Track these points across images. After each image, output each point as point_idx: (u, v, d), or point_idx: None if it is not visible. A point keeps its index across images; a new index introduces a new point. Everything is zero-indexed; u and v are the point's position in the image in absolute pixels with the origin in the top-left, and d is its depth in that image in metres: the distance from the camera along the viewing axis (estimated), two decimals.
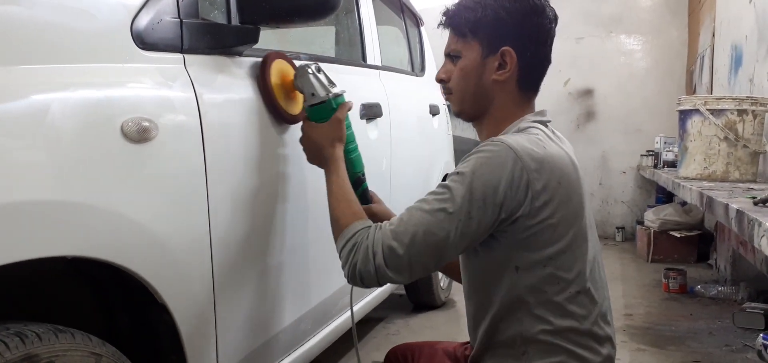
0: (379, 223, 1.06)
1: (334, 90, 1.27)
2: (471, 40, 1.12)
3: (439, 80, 1.18)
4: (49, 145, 0.82)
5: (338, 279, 1.74)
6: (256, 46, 1.26)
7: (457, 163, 3.10)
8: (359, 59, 2.12)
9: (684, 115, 2.63)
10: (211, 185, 1.11)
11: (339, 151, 1.24)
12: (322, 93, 1.25)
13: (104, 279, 1.02)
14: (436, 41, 3.09)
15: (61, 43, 0.90)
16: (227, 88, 1.21)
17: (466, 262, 1.14)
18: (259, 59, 1.31)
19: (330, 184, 1.20)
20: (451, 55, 1.16)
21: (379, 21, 2.32)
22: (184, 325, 1.05)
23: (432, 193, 1.03)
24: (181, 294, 1.04)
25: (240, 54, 1.27)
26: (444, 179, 1.05)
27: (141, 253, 0.95)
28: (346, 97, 1.30)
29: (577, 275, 1.04)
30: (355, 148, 1.34)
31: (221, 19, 1.23)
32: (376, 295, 2.09)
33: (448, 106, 3.04)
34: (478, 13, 1.10)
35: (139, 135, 0.95)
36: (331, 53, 2.34)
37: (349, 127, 1.31)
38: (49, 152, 0.82)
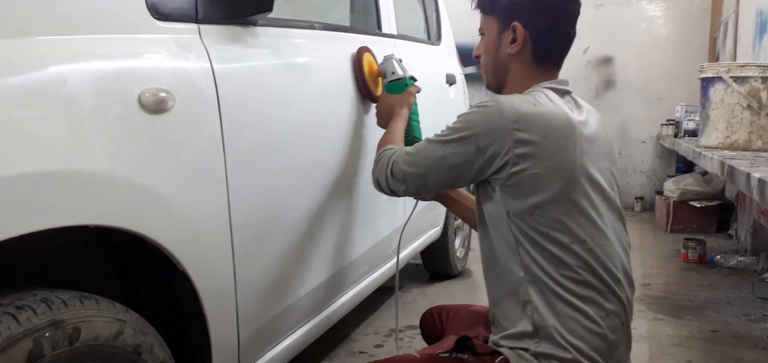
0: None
1: (409, 74, 1.68)
2: (490, 17, 1.24)
3: (476, 56, 1.32)
4: (69, 116, 0.83)
5: (356, 248, 1.76)
6: (270, 14, 1.25)
7: None
8: (374, 28, 2.10)
9: (706, 82, 2.58)
10: (229, 154, 1.12)
11: (405, 112, 1.55)
12: (400, 72, 1.67)
13: (125, 249, 1.04)
14: (452, 9, 3.05)
15: (78, 14, 0.90)
16: (242, 58, 1.21)
17: (478, 215, 1.21)
18: (275, 28, 1.31)
19: (389, 127, 1.50)
20: (481, 32, 1.28)
21: None
22: (205, 292, 1.07)
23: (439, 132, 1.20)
24: (201, 262, 1.06)
25: (254, 23, 1.27)
26: None
27: (161, 222, 0.96)
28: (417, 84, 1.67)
29: (569, 227, 1.07)
30: (417, 119, 1.64)
31: None
32: (391, 265, 2.10)
33: (466, 76, 3.02)
34: None
35: (156, 105, 0.96)
36: (346, 22, 2.32)
37: (415, 104, 1.63)
38: (68, 123, 0.83)
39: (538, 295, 1.08)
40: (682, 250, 3.30)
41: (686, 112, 3.84)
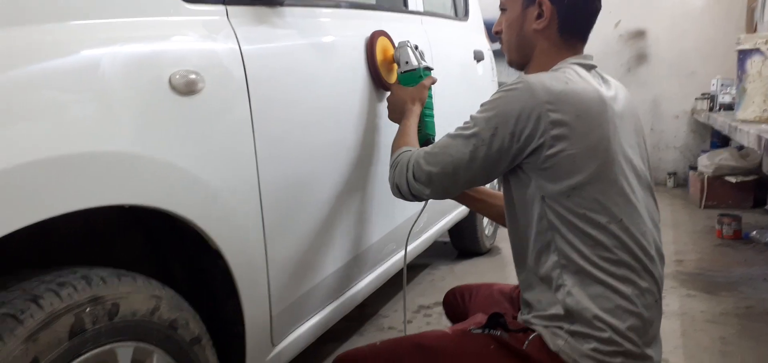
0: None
1: (424, 64, 1.56)
2: None
3: (496, 32, 1.28)
4: (102, 98, 0.85)
5: (386, 224, 1.77)
6: None
7: None
8: (401, 5, 2.08)
9: (743, 54, 2.51)
10: (257, 133, 1.13)
11: (417, 108, 1.48)
12: (414, 62, 1.55)
13: (159, 229, 1.07)
14: None
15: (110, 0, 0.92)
16: (269, 39, 1.22)
17: (507, 200, 1.19)
18: (302, 8, 1.31)
19: (401, 125, 1.43)
20: (502, 8, 1.25)
21: None
22: (238, 269, 1.09)
23: (460, 125, 1.15)
24: (233, 240, 1.08)
25: (281, 3, 1.27)
26: None
27: (194, 201, 0.99)
28: (434, 74, 1.57)
29: (606, 207, 1.05)
30: (432, 114, 1.57)
31: None
32: (420, 242, 2.11)
33: (494, 52, 2.98)
34: None
35: (186, 87, 0.98)
36: (372, 0, 2.31)
37: (430, 96, 1.55)
38: (102, 106, 0.85)
39: (573, 279, 1.06)
40: (717, 226, 3.23)
41: (722, 85, 3.74)
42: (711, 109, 3.81)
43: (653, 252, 1.11)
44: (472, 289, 1.47)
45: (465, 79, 2.50)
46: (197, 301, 1.06)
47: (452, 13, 2.72)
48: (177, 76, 0.96)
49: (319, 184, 1.38)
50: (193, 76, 0.99)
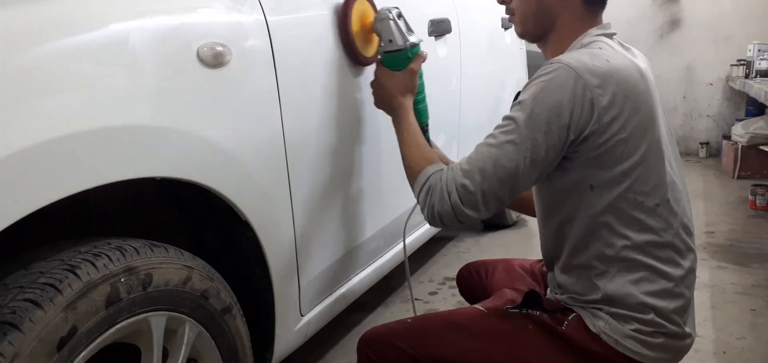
0: (452, 164, 1.07)
1: (412, 39, 1.28)
2: None
3: (502, 1, 1.16)
4: (133, 72, 0.86)
5: (411, 197, 1.77)
6: None
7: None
8: None
9: None
10: (285, 105, 1.13)
11: (409, 101, 1.27)
12: (399, 41, 1.26)
13: (191, 200, 1.08)
14: None
15: None
16: (295, 9, 1.21)
17: (540, 189, 1.13)
18: None
19: (402, 132, 1.22)
20: None
21: None
22: (267, 240, 1.11)
23: (498, 126, 1.03)
24: (262, 211, 1.09)
25: None
26: (515, 98, 1.04)
27: (224, 173, 1.00)
28: (422, 47, 1.31)
29: (654, 187, 1.01)
30: (424, 99, 1.36)
31: None
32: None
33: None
34: None
35: (214, 60, 0.98)
36: None
37: (420, 76, 1.32)
38: (133, 79, 0.86)
39: (617, 266, 1.02)
40: (750, 197, 3.15)
41: (759, 51, 3.62)
42: (747, 76, 3.69)
43: (692, 227, 1.08)
44: (489, 265, 1.40)
45: (492, 48, 2.46)
46: (229, 271, 1.08)
47: None
48: (205, 49, 0.97)
49: (345, 155, 1.38)
50: (220, 48, 0.99)
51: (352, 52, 1.31)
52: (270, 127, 1.11)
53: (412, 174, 1.14)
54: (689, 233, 1.07)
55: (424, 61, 1.31)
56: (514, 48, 2.77)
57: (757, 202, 3.11)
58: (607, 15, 1.12)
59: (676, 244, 1.03)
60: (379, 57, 1.30)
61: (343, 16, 1.29)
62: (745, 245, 2.61)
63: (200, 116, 0.95)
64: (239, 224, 1.07)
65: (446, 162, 1.30)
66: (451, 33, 1.98)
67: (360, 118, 1.42)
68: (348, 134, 1.38)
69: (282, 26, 1.14)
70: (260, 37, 1.09)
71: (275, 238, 1.14)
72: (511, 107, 1.03)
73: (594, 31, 1.08)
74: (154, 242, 0.92)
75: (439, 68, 1.90)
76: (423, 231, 1.95)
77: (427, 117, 1.37)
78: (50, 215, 0.78)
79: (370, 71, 1.37)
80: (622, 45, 1.10)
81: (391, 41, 1.27)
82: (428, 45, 1.81)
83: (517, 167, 0.99)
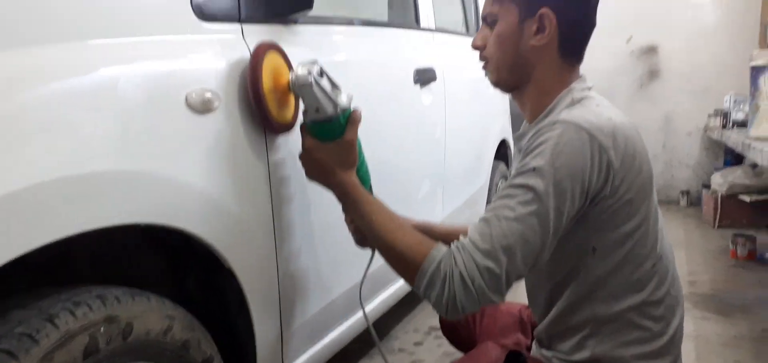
0: (457, 244, 0.95)
1: (341, 100, 1.07)
2: (508, 2, 1.04)
3: (476, 47, 1.11)
4: (120, 117, 0.86)
5: None
6: (311, 13, 1.26)
7: (513, 127, 3.05)
8: (413, 22, 2.09)
9: (756, 71, 2.49)
10: (271, 152, 1.13)
11: (353, 175, 1.10)
12: (329, 109, 1.05)
13: (174, 246, 1.07)
14: None
15: (128, 18, 0.93)
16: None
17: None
18: (315, 26, 1.31)
19: (366, 215, 1.05)
20: (487, 20, 1.08)
21: None
22: (250, 288, 1.09)
23: (510, 196, 0.93)
24: (246, 259, 1.08)
25: (295, 22, 1.28)
26: (499, 150, 1.02)
27: (208, 220, 0.99)
28: (353, 104, 1.11)
29: (652, 248, 1.00)
30: (364, 161, 1.17)
31: None
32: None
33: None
34: None
35: (202, 106, 0.98)
36: (384, 17, 2.32)
37: (358, 142, 1.12)
38: (120, 124, 0.85)
39: (610, 327, 1.00)
40: (731, 247, 3.19)
41: (735, 102, 3.71)
42: (724, 126, 3.78)
43: (678, 279, 1.08)
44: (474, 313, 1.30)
45: (477, 96, 2.50)
46: (210, 319, 1.06)
47: (464, 30, 2.73)
48: (193, 95, 0.97)
49: (330, 201, 1.37)
50: (208, 95, 0.99)
51: (265, 118, 1.08)
52: (256, 173, 1.10)
53: (405, 262, 0.98)
54: (679, 286, 1.07)
55: (359, 123, 1.11)
56: (498, 95, 2.82)
57: (739, 251, 3.15)
58: (587, 66, 1.11)
59: (668, 302, 1.03)
60: (306, 124, 1.09)
61: (251, 74, 1.05)
62: (728, 295, 2.62)
63: (187, 162, 0.95)
64: (222, 271, 1.06)
65: (422, 228, 1.16)
66: (436, 81, 2.01)
67: None
68: None
69: None
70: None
71: (258, 286, 1.13)
72: (519, 173, 0.95)
73: (578, 85, 1.05)
74: (136, 290, 0.90)
75: (424, 116, 1.92)
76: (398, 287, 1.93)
77: (369, 180, 1.19)
78: (32, 260, 0.76)
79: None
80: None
81: (318, 110, 1.05)
82: (414, 93, 1.83)
83: (544, 242, 0.91)
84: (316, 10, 1.27)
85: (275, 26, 1.22)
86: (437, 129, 2.03)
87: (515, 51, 1.05)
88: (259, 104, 1.06)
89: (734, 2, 4.51)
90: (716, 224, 3.86)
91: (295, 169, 1.22)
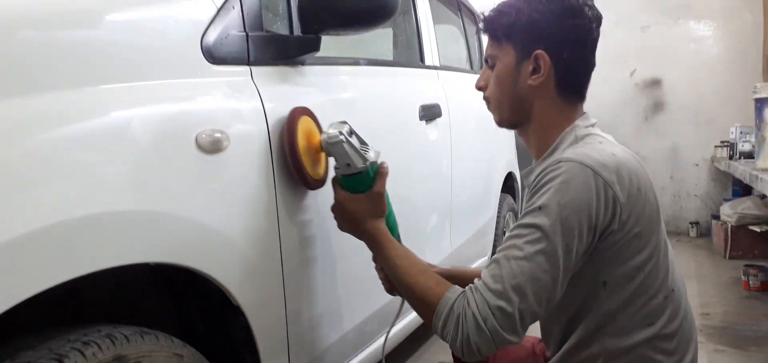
0: (470, 286, 0.98)
1: (370, 154, 1.15)
2: (506, 44, 1.09)
3: (479, 88, 1.16)
4: (131, 158, 0.87)
5: None
6: (318, 54, 1.29)
7: (520, 160, 3.06)
8: (417, 60, 2.12)
9: (761, 103, 2.50)
10: (280, 191, 1.14)
11: (382, 224, 1.17)
12: (359, 163, 1.13)
13: (183, 283, 1.07)
14: None
15: (139, 62, 0.95)
16: (292, 98, 1.25)
17: None
18: (322, 66, 1.34)
19: (392, 260, 1.11)
20: (488, 62, 1.14)
21: (437, 20, 2.32)
22: (258, 326, 1.09)
23: (518, 236, 0.95)
24: (254, 296, 1.08)
25: (303, 63, 1.31)
26: (508, 179, 1.04)
27: (217, 258, 1.00)
28: (381, 158, 1.19)
29: (663, 280, 1.01)
30: (392, 212, 1.24)
31: (284, 30, 1.27)
32: None
33: None
34: (512, 17, 1.07)
35: (212, 146, 1.00)
36: (389, 56, 2.36)
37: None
38: (131, 165, 0.87)
39: (622, 361, 1.00)
40: (743, 278, 3.16)
41: (741, 133, 3.72)
42: (731, 157, 3.77)
43: (691, 312, 1.08)
44: None
45: (482, 131, 2.52)
46: (219, 357, 1.06)
47: (468, 66, 2.76)
48: (203, 136, 0.99)
49: (338, 239, 1.38)
50: (218, 135, 1.01)
51: (301, 176, 1.15)
52: (265, 211, 1.12)
53: (424, 304, 1.02)
54: (692, 319, 1.06)
55: (387, 176, 1.18)
56: (502, 133, 2.83)
57: (751, 282, 3.11)
58: (593, 99, 1.14)
59: (681, 334, 1.02)
60: (337, 179, 1.18)
61: (288, 137, 1.12)
62: (741, 328, 2.59)
63: (196, 202, 0.96)
64: (230, 309, 1.06)
65: (447, 274, 1.18)
66: (441, 117, 2.03)
67: None
68: None
69: (279, 113, 1.17)
70: (258, 124, 1.12)
71: (266, 324, 1.13)
72: (526, 213, 0.97)
73: (581, 122, 1.07)
74: (145, 329, 0.90)
75: (431, 151, 1.93)
76: (411, 319, 1.92)
77: (397, 228, 1.25)
78: (39, 299, 0.77)
79: None
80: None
81: (349, 165, 1.14)
82: (420, 129, 1.85)
83: (554, 279, 0.92)
84: (323, 51, 1.31)
85: (283, 68, 1.25)
86: (443, 163, 2.04)
87: (514, 91, 1.09)
88: (297, 165, 1.13)
89: (735, 35, 4.55)
90: (727, 255, 3.82)
91: (304, 205, 1.23)
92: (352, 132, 1.15)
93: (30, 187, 0.74)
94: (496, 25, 1.10)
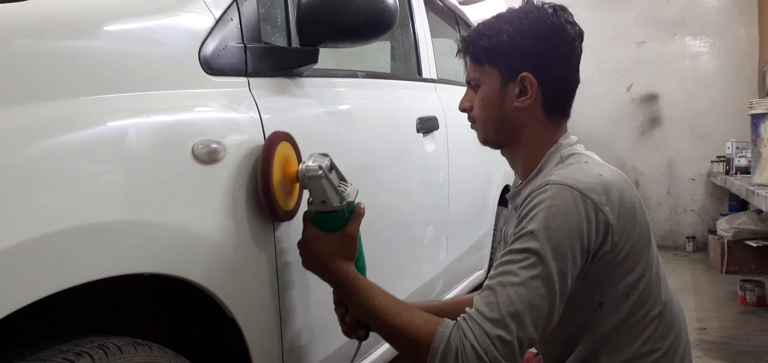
0: (464, 316, 0.95)
1: (348, 194, 1.09)
2: (489, 67, 1.08)
3: (463, 110, 1.15)
4: (127, 168, 0.87)
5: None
6: (316, 66, 1.30)
7: None
8: (415, 73, 2.13)
9: (757, 118, 2.51)
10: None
11: (351, 267, 1.10)
12: (335, 202, 1.06)
13: (177, 295, 1.07)
14: None
15: (137, 73, 0.95)
16: (289, 109, 1.25)
17: None
18: (319, 78, 1.35)
19: (368, 303, 1.05)
20: (471, 83, 1.13)
21: (434, 34, 2.33)
22: (252, 338, 1.08)
23: (511, 261, 0.93)
24: (248, 308, 1.08)
25: (300, 75, 1.31)
26: (504, 192, 1.04)
27: (212, 269, 0.99)
28: (358, 198, 1.12)
29: (657, 295, 1.01)
30: (362, 255, 1.17)
31: (282, 42, 1.27)
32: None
33: None
34: (494, 40, 1.06)
35: (208, 156, 1.00)
36: (387, 69, 2.36)
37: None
38: (127, 175, 0.87)
39: None
40: (740, 292, 3.16)
41: (737, 148, 3.73)
42: (727, 172, 3.79)
43: (686, 326, 1.08)
44: None
45: (479, 145, 2.52)
46: None
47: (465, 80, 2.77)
48: (200, 146, 0.98)
49: None
50: (215, 146, 1.01)
51: (271, 206, 1.07)
52: (261, 222, 1.11)
53: (414, 344, 0.97)
54: (686, 333, 1.06)
55: (362, 218, 1.12)
56: None
57: (747, 297, 3.11)
58: (589, 114, 1.15)
59: (676, 349, 1.02)
60: (309, 213, 1.12)
61: (263, 163, 1.05)
62: (738, 342, 2.58)
63: (191, 212, 0.96)
64: (225, 321, 1.05)
65: (427, 308, 1.14)
66: (439, 129, 2.03)
67: None
68: None
69: (276, 124, 1.17)
70: (255, 135, 1.11)
71: (261, 336, 1.12)
72: (517, 238, 0.95)
73: (564, 141, 1.07)
74: (139, 340, 0.90)
75: (428, 163, 1.93)
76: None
77: (365, 272, 1.18)
78: (29, 310, 0.76)
79: (362, 170, 1.39)
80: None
81: (324, 202, 1.06)
82: (417, 141, 1.85)
83: (551, 305, 0.91)
84: (321, 63, 1.31)
85: (281, 79, 1.25)
86: (440, 176, 2.05)
87: (500, 113, 1.09)
88: (267, 193, 1.05)
89: (731, 51, 4.58)
90: (724, 270, 3.82)
91: (299, 216, 1.23)
92: (332, 167, 1.07)
93: (24, 197, 0.74)
94: (477, 48, 1.09)
